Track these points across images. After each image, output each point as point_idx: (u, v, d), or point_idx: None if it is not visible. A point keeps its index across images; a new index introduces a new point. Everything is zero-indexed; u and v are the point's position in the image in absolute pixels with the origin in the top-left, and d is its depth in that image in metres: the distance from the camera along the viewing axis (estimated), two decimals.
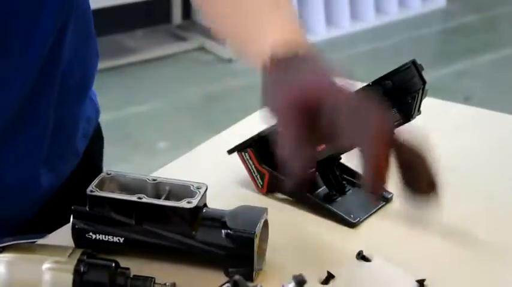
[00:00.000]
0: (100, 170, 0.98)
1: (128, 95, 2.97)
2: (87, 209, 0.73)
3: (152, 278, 0.68)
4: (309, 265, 0.74)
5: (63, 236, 0.77)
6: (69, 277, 0.66)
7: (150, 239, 0.73)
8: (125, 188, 0.75)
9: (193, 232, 0.72)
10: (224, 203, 0.76)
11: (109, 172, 0.76)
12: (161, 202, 0.72)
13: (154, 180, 0.75)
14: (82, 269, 0.67)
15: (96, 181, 0.74)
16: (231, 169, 0.90)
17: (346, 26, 3.76)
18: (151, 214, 0.72)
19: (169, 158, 0.97)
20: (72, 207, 0.74)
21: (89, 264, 0.67)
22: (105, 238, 0.73)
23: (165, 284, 0.69)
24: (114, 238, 0.73)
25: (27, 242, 0.70)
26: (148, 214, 0.72)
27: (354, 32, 3.73)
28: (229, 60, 3.32)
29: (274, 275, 0.73)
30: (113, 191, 0.74)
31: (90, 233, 0.73)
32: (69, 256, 0.67)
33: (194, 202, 0.72)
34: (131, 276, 0.69)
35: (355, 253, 0.75)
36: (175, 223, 0.72)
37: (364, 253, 0.75)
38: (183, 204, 0.72)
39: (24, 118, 0.79)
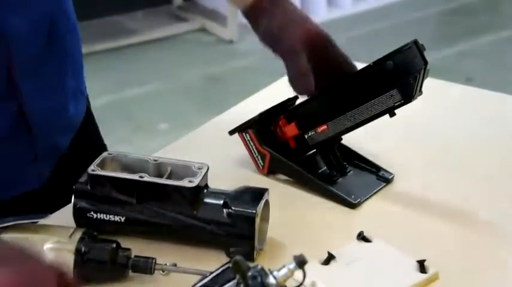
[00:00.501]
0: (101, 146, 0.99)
1: (129, 77, 2.96)
2: (89, 188, 0.73)
3: (153, 258, 0.69)
4: (310, 245, 0.74)
5: (64, 216, 0.77)
6: (70, 257, 0.66)
7: (151, 218, 0.73)
8: (127, 168, 0.75)
9: (195, 211, 0.72)
10: (225, 184, 0.76)
11: (110, 152, 0.76)
12: (163, 180, 0.73)
13: (155, 160, 0.75)
14: (83, 249, 0.67)
15: (98, 161, 0.74)
16: (232, 150, 0.90)
17: (347, 7, 3.74)
18: (153, 193, 0.72)
19: (170, 140, 0.97)
20: (74, 186, 0.74)
21: (90, 244, 0.68)
22: (106, 217, 0.73)
23: (165, 264, 0.69)
24: (116, 217, 0.73)
25: (28, 222, 0.70)
26: (149, 193, 0.72)
27: (355, 13, 3.71)
28: (231, 42, 3.30)
29: (274, 255, 0.73)
30: (114, 171, 0.74)
31: (92, 213, 0.73)
32: (70, 236, 0.67)
33: (196, 181, 0.72)
34: (132, 256, 0.69)
35: (356, 234, 0.75)
36: (176, 202, 0.72)
37: (365, 234, 0.75)
38: (185, 183, 0.72)
39: (50, 48, 0.81)
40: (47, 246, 0.67)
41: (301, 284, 0.58)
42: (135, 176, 0.72)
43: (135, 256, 0.69)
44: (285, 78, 1.12)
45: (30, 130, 0.83)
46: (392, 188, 0.85)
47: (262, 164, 0.86)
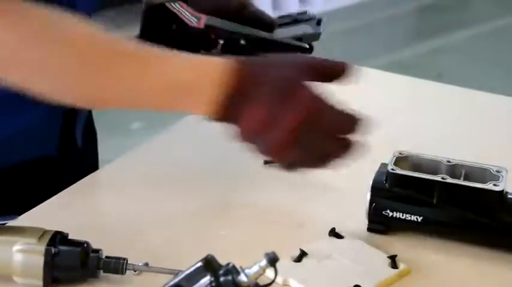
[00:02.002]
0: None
1: None
2: (387, 186, 0.74)
3: (124, 258, 0.68)
4: (282, 242, 0.74)
5: (33, 217, 0.76)
6: (40, 259, 0.66)
7: (450, 219, 0.73)
8: (418, 168, 0.75)
9: (499, 215, 0.72)
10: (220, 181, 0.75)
11: (402, 152, 0.76)
12: (467, 183, 0.73)
13: (449, 161, 0.76)
14: (53, 250, 0.66)
15: (393, 160, 0.75)
16: (208, 147, 0.90)
17: (319, 4, 3.75)
18: (454, 195, 0.72)
19: (143, 138, 0.97)
20: (372, 183, 0.75)
21: (60, 246, 0.67)
22: (402, 216, 0.73)
23: (137, 264, 0.69)
24: (413, 216, 0.73)
25: None
26: (450, 194, 0.73)
27: (329, 11, 3.72)
28: None
29: (246, 253, 0.73)
30: (406, 170, 0.74)
31: (388, 211, 0.74)
32: (39, 238, 0.67)
33: (501, 185, 0.72)
34: (103, 257, 0.68)
35: (328, 230, 0.75)
36: (479, 205, 0.72)
37: (337, 230, 0.76)
38: (489, 186, 0.72)
39: None
40: (16, 247, 0.66)
41: (272, 281, 0.58)
42: (438, 177, 0.73)
43: (106, 257, 0.68)
44: None
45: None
46: (363, 183, 0.85)
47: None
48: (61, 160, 0.88)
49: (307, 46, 0.78)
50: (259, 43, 0.78)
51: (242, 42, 0.76)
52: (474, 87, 1.10)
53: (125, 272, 0.68)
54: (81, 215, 0.80)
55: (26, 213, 0.78)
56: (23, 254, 0.66)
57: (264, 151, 0.67)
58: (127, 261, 0.68)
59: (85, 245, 0.68)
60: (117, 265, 0.67)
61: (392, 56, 3.19)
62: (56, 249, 0.66)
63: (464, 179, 0.74)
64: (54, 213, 0.80)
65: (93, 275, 0.68)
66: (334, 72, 0.70)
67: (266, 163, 0.89)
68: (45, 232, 0.68)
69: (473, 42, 3.40)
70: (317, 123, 0.66)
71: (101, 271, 0.68)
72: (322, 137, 0.66)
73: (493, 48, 3.29)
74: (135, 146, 0.93)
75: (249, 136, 0.66)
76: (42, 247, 0.66)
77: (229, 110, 0.65)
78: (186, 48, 0.69)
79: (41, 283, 0.66)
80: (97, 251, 0.68)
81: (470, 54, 3.28)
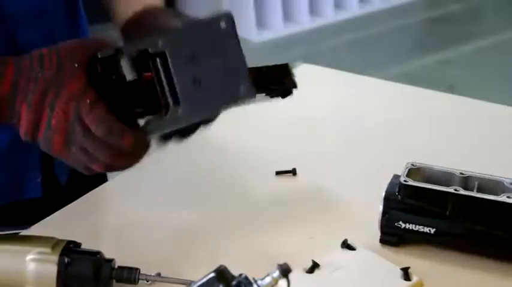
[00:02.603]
0: None
1: None
2: (399, 198, 0.74)
3: (137, 268, 0.68)
4: (294, 253, 0.74)
5: (45, 227, 0.77)
6: (53, 268, 0.66)
7: (463, 231, 0.73)
8: (430, 180, 0.75)
9: None
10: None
11: (414, 163, 0.76)
12: (480, 195, 0.72)
13: (462, 173, 0.75)
14: (66, 260, 0.66)
15: (405, 171, 0.75)
16: (219, 157, 0.90)
17: (330, 15, 3.76)
18: (467, 207, 0.72)
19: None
20: (384, 195, 0.74)
21: (74, 255, 0.67)
22: (415, 227, 0.73)
23: (150, 274, 0.69)
24: (425, 228, 0.73)
25: (10, 233, 0.70)
26: (463, 206, 0.72)
27: (338, 22, 3.73)
28: None
29: (258, 264, 0.73)
30: (418, 182, 0.74)
31: (400, 222, 0.74)
32: (53, 247, 0.67)
33: None
34: (116, 267, 0.68)
35: (340, 242, 0.75)
36: (492, 217, 0.72)
37: (349, 242, 0.75)
38: (503, 198, 0.71)
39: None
40: (30, 257, 0.67)
41: None
42: (450, 189, 0.73)
43: (119, 267, 0.68)
44: None
45: None
46: (375, 195, 0.85)
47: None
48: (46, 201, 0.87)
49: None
50: None
51: None
52: (485, 99, 1.10)
53: (138, 282, 0.68)
54: (93, 225, 0.80)
55: (38, 223, 0.79)
56: (36, 264, 0.66)
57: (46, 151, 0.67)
58: (139, 271, 0.68)
59: (98, 255, 0.68)
60: (130, 275, 0.68)
61: (402, 68, 3.19)
62: (69, 258, 0.66)
63: (478, 191, 0.74)
64: (66, 222, 0.80)
65: (106, 284, 0.68)
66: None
67: (278, 173, 0.89)
68: (58, 241, 0.68)
69: (483, 54, 3.40)
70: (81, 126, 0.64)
71: (114, 280, 0.68)
72: (89, 140, 0.65)
73: (503, 60, 3.29)
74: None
75: (25, 138, 0.66)
76: (55, 257, 0.66)
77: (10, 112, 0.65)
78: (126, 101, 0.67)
79: None
80: (110, 260, 0.68)
81: (479, 66, 3.27)
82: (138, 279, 0.68)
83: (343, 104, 1.09)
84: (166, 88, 0.66)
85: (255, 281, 0.57)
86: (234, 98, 0.65)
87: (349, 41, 3.54)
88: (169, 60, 0.66)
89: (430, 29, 3.81)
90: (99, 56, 0.66)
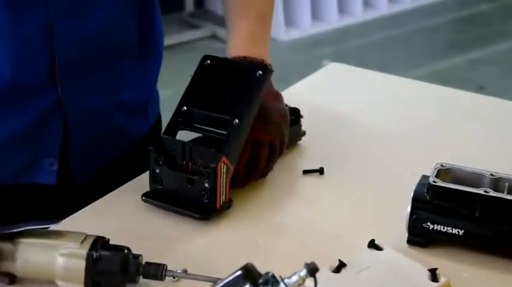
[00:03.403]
0: None
1: None
2: (428, 198, 0.74)
3: (164, 264, 0.69)
4: (321, 253, 0.74)
5: (75, 222, 0.77)
6: (81, 263, 0.67)
7: (492, 233, 0.73)
8: (460, 181, 0.75)
9: None
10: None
11: (444, 164, 0.76)
12: (510, 197, 0.72)
13: (492, 175, 0.75)
14: (95, 255, 0.67)
15: (434, 172, 0.75)
16: None
17: (358, 14, 3.74)
18: (497, 209, 0.72)
19: None
20: (413, 195, 0.74)
21: (102, 250, 0.68)
22: (443, 229, 0.73)
23: (176, 270, 0.69)
24: (454, 229, 0.73)
25: (39, 228, 0.70)
26: (493, 208, 0.72)
27: (367, 21, 3.71)
28: None
29: (285, 262, 0.73)
30: (448, 183, 0.74)
31: (428, 223, 0.74)
32: (81, 242, 0.68)
33: None
34: (143, 262, 0.69)
35: (367, 242, 0.75)
36: None
37: (376, 242, 0.75)
38: None
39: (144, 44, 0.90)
40: (60, 252, 0.67)
41: None
42: (480, 191, 0.73)
43: (146, 263, 0.69)
44: (295, 86, 1.13)
45: (65, 126, 0.85)
46: (402, 195, 0.85)
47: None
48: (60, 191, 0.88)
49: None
50: None
51: None
52: None
53: (164, 278, 0.68)
54: (121, 221, 0.81)
55: (67, 218, 0.80)
56: (65, 258, 0.67)
57: None
58: (166, 267, 0.69)
59: (126, 250, 0.68)
60: (157, 271, 0.68)
61: (431, 67, 3.17)
62: (98, 254, 0.67)
63: (508, 193, 0.73)
64: (95, 218, 0.81)
65: (133, 280, 0.68)
66: None
67: (305, 172, 0.89)
68: (86, 236, 0.69)
69: None
70: None
71: (140, 276, 0.69)
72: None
73: None
74: None
75: None
76: (84, 251, 0.67)
77: None
78: None
79: (82, 285, 0.67)
80: (137, 256, 0.69)
81: (510, 66, 3.23)
82: (165, 275, 0.68)
83: (371, 103, 1.09)
84: None
85: (282, 280, 0.57)
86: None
87: (378, 40, 3.52)
88: None
89: (460, 28, 3.77)
90: None
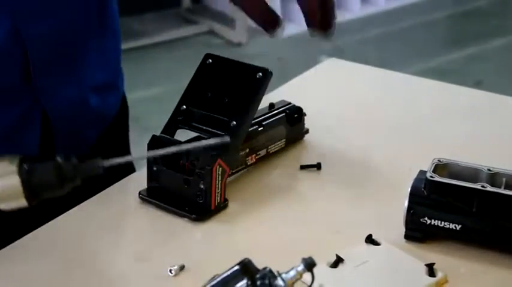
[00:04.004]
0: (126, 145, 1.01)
1: (137, 79, 2.97)
2: (425, 193, 0.74)
3: (99, 158, 0.64)
4: (318, 248, 0.74)
5: (75, 216, 0.77)
6: (16, 179, 0.63)
7: (489, 228, 0.73)
8: (457, 176, 0.75)
9: None
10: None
11: (441, 159, 0.76)
12: (508, 192, 0.72)
13: (489, 170, 0.75)
14: (27, 167, 0.62)
15: (431, 167, 0.75)
16: None
17: (356, 10, 3.74)
18: (494, 204, 0.72)
19: None
20: (410, 190, 0.74)
21: (32, 163, 0.63)
22: (440, 224, 0.73)
23: (174, 266, 0.70)
24: (451, 224, 0.73)
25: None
26: (490, 203, 0.72)
27: (364, 16, 3.71)
28: (239, 45, 3.31)
29: (282, 257, 0.73)
30: (445, 178, 0.74)
31: (426, 218, 0.74)
32: (10, 162, 0.63)
33: None
34: (76, 162, 0.64)
35: (364, 237, 0.75)
36: None
37: (373, 237, 0.75)
38: None
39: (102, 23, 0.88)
40: None
41: (309, 286, 0.58)
42: (477, 185, 0.72)
43: (79, 161, 0.64)
44: (292, 82, 1.13)
45: (46, 123, 0.85)
46: (400, 190, 0.85)
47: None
48: None
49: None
50: None
51: None
52: None
53: (103, 171, 0.64)
54: (118, 216, 0.81)
55: (65, 213, 0.80)
56: None
57: None
58: (102, 161, 0.64)
59: (56, 156, 0.64)
60: (94, 167, 0.63)
61: (429, 63, 3.17)
62: (29, 165, 0.62)
63: (505, 188, 0.73)
64: (90, 214, 0.80)
65: (72, 181, 0.64)
66: None
67: (302, 167, 0.89)
68: (10, 157, 0.64)
69: (511, 49, 3.36)
70: None
71: (79, 178, 0.64)
72: None
73: None
74: None
75: None
76: (14, 167, 0.62)
77: None
78: None
79: (24, 201, 0.63)
80: (69, 158, 0.64)
81: (507, 62, 3.24)
82: (103, 168, 0.64)
83: (369, 99, 1.09)
84: None
85: (279, 275, 0.57)
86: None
87: (376, 36, 3.52)
88: None
89: (457, 23, 3.77)
90: None
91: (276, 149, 0.90)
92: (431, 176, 0.74)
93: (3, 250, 0.74)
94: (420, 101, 1.08)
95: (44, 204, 0.83)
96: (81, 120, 0.90)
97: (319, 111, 1.01)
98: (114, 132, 0.96)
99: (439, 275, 0.71)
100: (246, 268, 0.57)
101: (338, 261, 0.72)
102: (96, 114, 0.92)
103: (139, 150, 1.01)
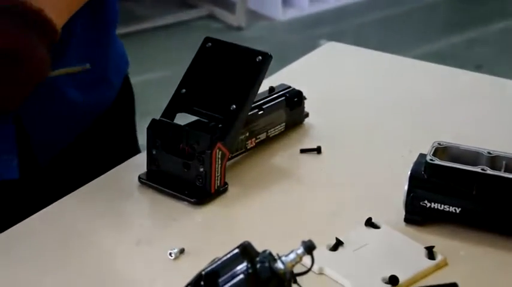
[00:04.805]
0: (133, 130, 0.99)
1: (137, 63, 2.95)
2: (425, 177, 0.74)
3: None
4: (317, 231, 0.74)
5: (72, 202, 0.77)
6: None
7: (489, 211, 0.73)
8: (457, 159, 0.75)
9: None
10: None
11: (441, 143, 0.76)
12: (508, 175, 0.72)
13: (489, 153, 0.75)
14: None
15: (431, 150, 0.75)
16: None
17: None
18: (494, 187, 0.72)
19: None
20: (410, 173, 0.74)
21: None
22: (440, 207, 0.73)
23: (173, 249, 0.70)
24: (451, 207, 0.73)
25: None
26: (490, 186, 0.72)
27: (365, 0, 3.69)
28: (239, 28, 3.30)
29: (282, 240, 0.73)
30: (444, 161, 0.74)
31: (426, 201, 0.74)
32: None
33: None
34: None
35: (364, 220, 0.75)
36: None
37: (373, 220, 0.75)
38: None
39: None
40: None
41: (309, 269, 0.58)
42: (477, 169, 0.72)
43: None
44: (292, 66, 1.13)
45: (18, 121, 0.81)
46: (400, 174, 0.85)
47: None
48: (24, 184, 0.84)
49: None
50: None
51: None
52: None
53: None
54: (117, 201, 0.81)
55: (64, 197, 0.80)
56: None
57: None
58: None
59: None
60: None
61: (429, 47, 3.16)
62: None
63: (505, 171, 0.73)
64: (89, 198, 0.81)
65: None
66: None
67: (302, 151, 0.89)
68: None
69: (511, 33, 3.35)
70: None
71: None
72: None
73: None
74: None
75: None
76: None
77: None
78: None
79: None
80: None
81: (508, 45, 3.23)
82: None
83: (369, 82, 1.09)
84: None
85: (279, 258, 0.57)
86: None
87: (376, 19, 3.50)
88: None
89: (458, 7, 3.76)
90: None
91: (275, 133, 0.90)
92: (431, 160, 0.74)
93: (5, 232, 0.74)
94: (420, 85, 1.08)
95: (45, 188, 0.83)
96: (57, 116, 0.85)
97: (319, 95, 1.01)
98: (115, 119, 0.94)
99: (439, 258, 0.71)
100: (245, 251, 0.57)
101: (338, 244, 0.72)
102: (76, 110, 0.87)
103: (139, 134, 1.01)
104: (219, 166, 0.78)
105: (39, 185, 0.86)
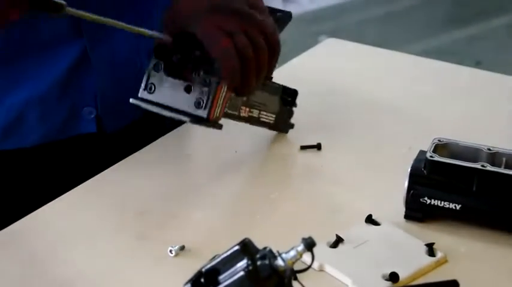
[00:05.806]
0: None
1: None
2: (425, 173, 0.74)
3: None
4: (318, 227, 0.74)
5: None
6: None
7: (489, 208, 0.73)
8: (457, 155, 0.75)
9: None
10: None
11: (441, 139, 0.76)
12: (508, 171, 0.72)
13: (489, 149, 0.75)
14: None
15: (431, 147, 0.75)
16: (244, 131, 0.90)
17: None
18: (494, 183, 0.72)
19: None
20: (410, 170, 0.74)
21: None
22: (440, 203, 0.73)
23: (174, 246, 0.70)
24: (451, 204, 0.73)
25: None
26: (490, 182, 0.72)
27: None
28: None
29: (282, 237, 0.73)
30: (445, 158, 0.74)
31: (426, 198, 0.74)
32: None
33: None
34: None
35: (364, 217, 0.75)
36: None
37: (373, 217, 0.75)
38: None
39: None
40: None
41: (309, 266, 0.58)
42: (477, 165, 0.72)
43: None
44: (292, 62, 1.13)
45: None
46: (400, 170, 0.85)
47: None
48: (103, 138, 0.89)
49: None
50: None
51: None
52: None
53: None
54: (119, 195, 0.81)
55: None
56: None
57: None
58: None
59: None
60: None
61: (429, 43, 3.15)
62: None
63: (505, 168, 0.73)
64: (93, 192, 0.81)
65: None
66: None
67: (302, 147, 0.89)
68: None
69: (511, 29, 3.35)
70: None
71: None
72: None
73: None
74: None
75: None
76: None
77: None
78: None
79: None
80: None
81: (507, 42, 3.22)
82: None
83: (369, 79, 1.09)
84: None
85: (280, 255, 0.57)
86: None
87: (376, 15, 3.50)
88: None
89: (458, 3, 3.75)
90: None
91: (265, 120, 0.88)
92: (431, 156, 0.74)
93: (9, 227, 0.75)
94: (420, 81, 1.08)
95: (48, 183, 0.84)
96: (127, 81, 0.86)
97: (319, 92, 1.01)
98: None
99: (439, 254, 0.71)
100: (246, 248, 0.57)
101: (338, 241, 0.72)
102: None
103: None
104: (222, 95, 0.76)
105: (105, 152, 0.88)
